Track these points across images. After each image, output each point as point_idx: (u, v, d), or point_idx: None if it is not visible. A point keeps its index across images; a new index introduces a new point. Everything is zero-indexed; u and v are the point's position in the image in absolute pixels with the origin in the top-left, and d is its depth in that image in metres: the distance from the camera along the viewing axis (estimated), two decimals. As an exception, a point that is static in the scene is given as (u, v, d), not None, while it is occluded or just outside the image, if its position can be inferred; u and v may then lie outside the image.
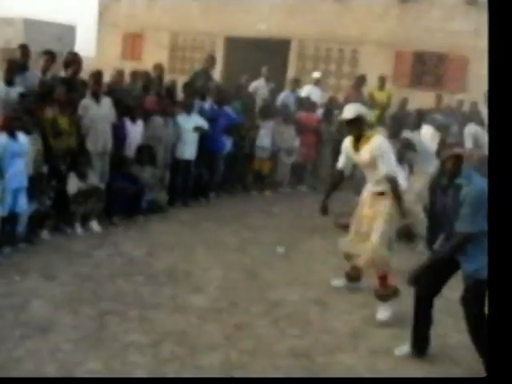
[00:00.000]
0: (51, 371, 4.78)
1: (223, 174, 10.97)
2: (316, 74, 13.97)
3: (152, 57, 18.38)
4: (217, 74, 16.31)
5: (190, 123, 9.85)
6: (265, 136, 11.36)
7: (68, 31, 30.36)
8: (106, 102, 8.76)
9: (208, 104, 10.66)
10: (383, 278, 6.39)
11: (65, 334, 5.39)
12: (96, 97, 8.64)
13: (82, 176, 8.15)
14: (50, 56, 9.36)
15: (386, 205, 6.27)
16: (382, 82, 13.56)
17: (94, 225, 8.36)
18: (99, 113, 8.61)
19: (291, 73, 18.00)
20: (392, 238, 6.44)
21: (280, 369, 5.13)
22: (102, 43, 23.20)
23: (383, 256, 6.25)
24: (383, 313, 6.31)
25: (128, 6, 22.30)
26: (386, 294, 6.35)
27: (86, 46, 24.39)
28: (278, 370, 5.10)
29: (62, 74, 9.28)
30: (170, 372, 4.94)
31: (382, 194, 6.33)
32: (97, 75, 8.81)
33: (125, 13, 22.35)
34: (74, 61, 9.26)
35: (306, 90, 13.31)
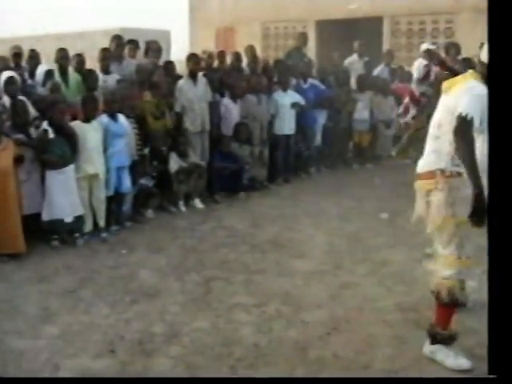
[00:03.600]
0: (159, 330, 4.92)
1: (322, 148, 10.91)
2: (426, 46, 13.43)
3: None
4: (310, 56, 16.23)
5: (287, 99, 9.89)
6: (363, 108, 11.23)
7: (163, 36, 30.98)
8: (202, 83, 8.92)
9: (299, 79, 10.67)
10: (444, 312, 4.45)
11: (172, 298, 5.55)
12: (193, 78, 8.81)
13: (183, 155, 8.37)
14: (134, 45, 9.71)
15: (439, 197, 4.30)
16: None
17: (197, 202, 8.54)
18: (196, 93, 8.81)
19: (385, 49, 17.67)
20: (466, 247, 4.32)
21: (387, 322, 5.06)
22: (196, 42, 23.56)
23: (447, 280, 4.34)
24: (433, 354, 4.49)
25: (218, 2, 22.54)
26: (438, 333, 4.45)
27: (181, 46, 24.80)
28: (384, 324, 5.03)
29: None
30: (277, 328, 4.96)
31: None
32: (193, 57, 9.02)
33: (215, 9, 22.60)
34: (153, 49, 9.51)
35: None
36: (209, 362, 4.47)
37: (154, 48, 9.49)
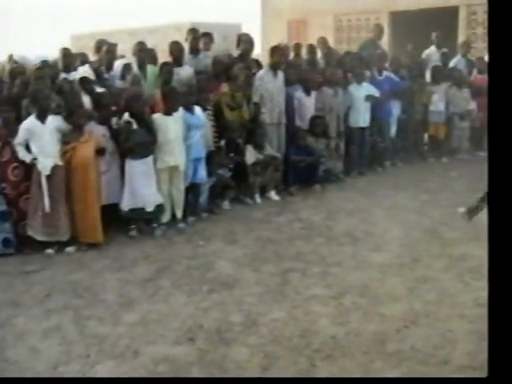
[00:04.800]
0: (237, 320, 4.97)
1: (397, 141, 10.78)
2: None
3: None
4: (384, 48, 16.01)
5: (362, 92, 9.82)
6: (438, 100, 11.03)
7: (234, 30, 31.08)
8: (281, 76, 8.94)
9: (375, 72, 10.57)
10: None
11: (248, 289, 5.60)
12: (274, 70, 8.84)
13: (259, 147, 8.41)
14: (209, 38, 9.78)
15: None
16: None
17: (273, 194, 8.59)
18: (275, 85, 8.86)
19: (461, 40, 17.29)
20: None
21: (466, 318, 4.97)
22: (267, 35, 23.55)
23: None
24: None
25: (290, -5, 22.48)
26: None
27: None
28: (463, 319, 4.94)
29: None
30: (354, 320, 4.93)
31: None
32: (277, 49, 9.06)
33: (287, 1, 22.55)
34: (245, 40, 9.55)
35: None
36: (286, 352, 4.48)
37: (245, 39, 9.53)
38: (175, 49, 8.82)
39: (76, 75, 7.86)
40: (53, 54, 8.91)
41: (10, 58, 8.08)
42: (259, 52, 22.93)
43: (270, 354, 4.44)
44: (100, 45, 9.27)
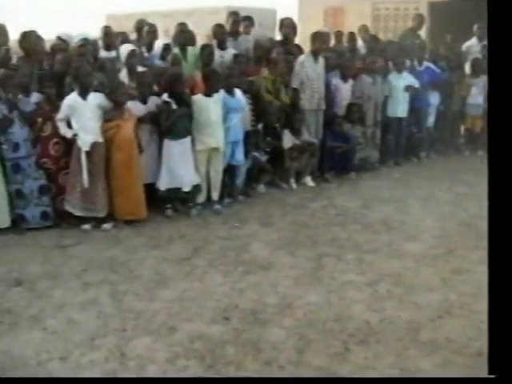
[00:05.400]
0: (272, 301, 5.01)
1: (434, 132, 10.71)
2: None
3: (354, 29, 18.30)
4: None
5: (402, 82, 9.76)
6: (477, 93, 10.91)
7: (269, 15, 30.92)
8: (321, 62, 8.91)
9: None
10: None
11: (284, 272, 5.63)
12: (315, 56, 8.82)
13: (296, 132, 8.42)
14: (250, 22, 9.79)
15: None
16: None
17: (308, 180, 8.61)
18: (316, 70, 8.82)
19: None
20: None
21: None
22: (304, 22, 23.42)
23: None
24: None
25: (328, -20, 22.34)
26: None
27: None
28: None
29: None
30: (388, 307, 4.94)
31: None
32: (319, 35, 9.04)
33: (325, -13, 22.42)
34: (287, 25, 9.53)
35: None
36: (321, 335, 4.51)
37: (287, 24, 9.51)
38: (219, 32, 8.83)
39: (119, 53, 7.89)
40: (91, 32, 8.97)
41: (59, 38, 8.14)
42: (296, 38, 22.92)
43: (305, 337, 4.47)
44: (140, 25, 9.32)
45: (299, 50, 9.46)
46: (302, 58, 8.81)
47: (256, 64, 8.58)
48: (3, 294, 5.25)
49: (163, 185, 7.11)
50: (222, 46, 8.73)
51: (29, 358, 4.22)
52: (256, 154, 8.05)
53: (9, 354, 4.28)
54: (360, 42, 10.74)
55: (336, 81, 9.20)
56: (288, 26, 9.46)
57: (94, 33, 8.77)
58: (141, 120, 7.02)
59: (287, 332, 4.53)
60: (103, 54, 8.10)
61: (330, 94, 9.10)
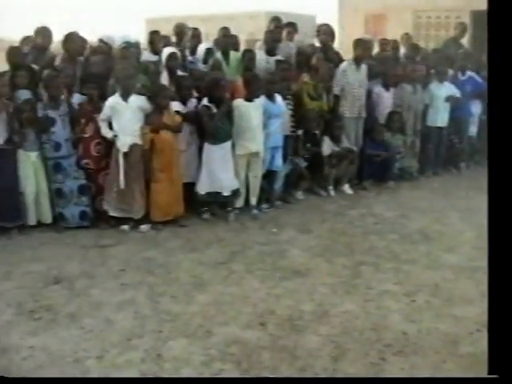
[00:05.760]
0: (308, 308, 4.98)
1: (475, 142, 10.57)
2: None
3: (395, 37, 18.19)
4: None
5: (443, 91, 9.66)
6: (522, 104, 10.76)
7: (308, 20, 30.91)
8: (363, 69, 8.88)
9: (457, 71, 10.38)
10: None
11: (321, 279, 5.60)
12: (357, 63, 8.80)
13: (336, 139, 8.40)
14: (293, 28, 9.76)
15: None
16: None
17: (346, 188, 8.58)
18: (358, 78, 8.80)
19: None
20: None
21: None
22: (344, 28, 23.34)
23: None
24: None
25: (369, -13, 22.23)
26: None
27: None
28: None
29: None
30: (426, 319, 4.89)
31: None
32: (362, 42, 9.03)
33: (367, -5, 22.31)
34: (325, 31, 9.50)
35: None
36: (357, 344, 4.47)
37: (325, 31, 9.48)
38: (270, 38, 8.87)
39: (162, 56, 7.95)
40: (132, 35, 9.01)
41: (101, 40, 8.22)
42: (335, 45, 22.84)
43: (341, 345, 4.43)
44: (179, 29, 9.35)
45: (338, 56, 9.43)
46: (344, 64, 8.78)
47: (297, 70, 8.56)
48: (42, 291, 5.33)
49: (203, 188, 7.13)
50: (270, 52, 8.74)
51: (66, 356, 4.26)
52: (295, 159, 8.03)
53: (47, 351, 4.33)
54: (402, 50, 10.66)
55: (378, 89, 9.15)
56: (326, 33, 9.42)
57: (135, 36, 8.84)
58: (182, 117, 7.07)
59: (323, 340, 4.50)
60: (146, 56, 8.15)
61: (371, 102, 9.06)
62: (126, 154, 6.78)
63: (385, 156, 8.90)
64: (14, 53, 7.57)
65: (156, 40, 8.40)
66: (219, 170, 7.10)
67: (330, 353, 4.33)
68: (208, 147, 7.11)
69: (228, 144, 7.15)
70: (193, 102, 7.31)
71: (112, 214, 6.93)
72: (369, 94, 9.07)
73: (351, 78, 8.69)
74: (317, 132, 8.31)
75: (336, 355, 4.30)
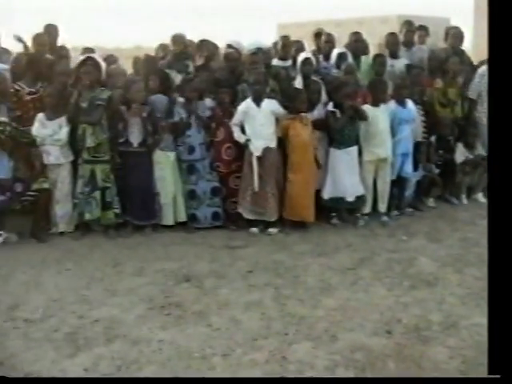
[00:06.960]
0: (436, 319, 4.85)
1: None
2: None
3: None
4: None
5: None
6: None
7: (441, 23, 29.91)
8: (504, 75, 8.56)
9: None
10: None
11: (450, 289, 5.44)
12: None
13: (470, 146, 8.16)
14: (425, 31, 9.59)
15: None
16: None
17: (480, 196, 8.30)
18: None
19: None
20: None
21: None
22: (479, 31, 22.52)
23: None
24: None
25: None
26: None
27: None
28: None
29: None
30: None
31: None
32: None
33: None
34: (453, 34, 9.20)
35: None
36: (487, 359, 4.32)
37: (454, 34, 9.22)
38: (391, 41, 8.73)
39: (294, 61, 8.00)
40: (263, 41, 9.10)
41: (229, 46, 8.38)
42: (469, 49, 22.12)
43: (470, 360, 4.27)
44: (318, 35, 9.38)
45: (469, 60, 9.13)
46: (482, 69, 8.46)
47: (430, 75, 8.38)
48: (173, 289, 5.51)
49: (327, 193, 7.15)
50: (393, 55, 8.62)
51: (193, 351, 4.37)
52: (428, 166, 7.87)
53: (175, 345, 4.47)
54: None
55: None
56: (454, 36, 9.11)
57: (266, 41, 8.94)
58: (313, 124, 7.11)
59: (451, 352, 4.37)
60: (276, 62, 8.22)
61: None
62: (259, 158, 6.88)
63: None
64: (149, 60, 7.88)
65: (288, 45, 8.46)
66: (344, 175, 7.08)
67: (457, 366, 4.19)
68: (333, 152, 7.12)
69: (354, 149, 7.13)
70: (320, 108, 7.32)
71: (246, 216, 7.07)
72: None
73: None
74: (450, 138, 8.11)
75: (464, 369, 4.15)
